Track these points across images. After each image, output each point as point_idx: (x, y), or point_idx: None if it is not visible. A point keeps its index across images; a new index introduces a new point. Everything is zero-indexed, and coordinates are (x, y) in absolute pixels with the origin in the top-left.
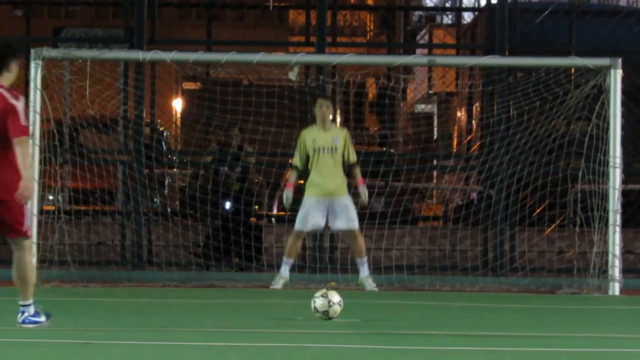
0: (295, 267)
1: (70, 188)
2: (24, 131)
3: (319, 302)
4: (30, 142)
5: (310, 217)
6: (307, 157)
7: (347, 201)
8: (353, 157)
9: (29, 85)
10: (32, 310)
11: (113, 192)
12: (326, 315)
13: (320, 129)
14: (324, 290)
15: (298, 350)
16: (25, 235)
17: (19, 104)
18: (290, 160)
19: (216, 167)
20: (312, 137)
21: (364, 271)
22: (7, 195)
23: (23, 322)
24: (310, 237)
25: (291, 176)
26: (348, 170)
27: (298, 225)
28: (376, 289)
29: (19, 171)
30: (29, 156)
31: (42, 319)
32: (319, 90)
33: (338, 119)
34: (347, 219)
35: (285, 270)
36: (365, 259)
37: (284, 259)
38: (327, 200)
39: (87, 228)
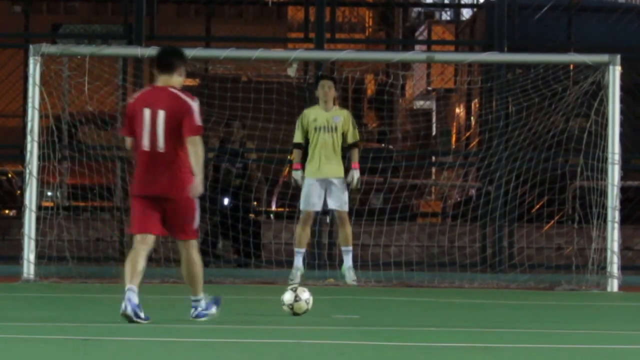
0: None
1: (68, 184)
2: (198, 130)
3: (287, 295)
4: (28, 138)
5: (311, 198)
6: (307, 136)
7: (342, 183)
8: (354, 137)
9: (28, 81)
10: (203, 304)
11: (112, 188)
12: (291, 309)
13: (321, 109)
14: (295, 285)
15: (297, 347)
16: (193, 236)
17: (195, 104)
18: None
19: (216, 163)
20: (313, 116)
21: (348, 261)
22: (177, 194)
23: (197, 316)
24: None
25: (296, 156)
26: (347, 150)
27: (302, 205)
28: (355, 283)
29: (190, 171)
30: (201, 155)
31: (213, 309)
32: (320, 75)
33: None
34: (340, 201)
35: (298, 262)
36: (350, 247)
37: (295, 250)
38: (324, 180)
39: (85, 224)
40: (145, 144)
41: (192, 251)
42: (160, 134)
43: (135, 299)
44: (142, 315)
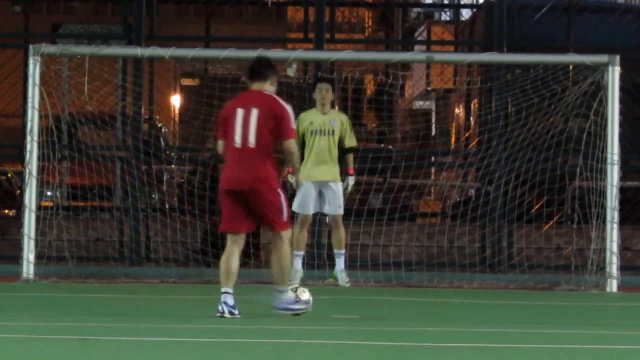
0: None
1: (68, 184)
2: (294, 134)
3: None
4: (28, 138)
5: (307, 202)
6: (303, 140)
7: (338, 187)
8: (351, 142)
9: (28, 81)
10: (286, 297)
11: (111, 188)
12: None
13: (318, 113)
14: (296, 286)
15: (296, 347)
16: (283, 228)
17: (289, 108)
18: None
19: (215, 164)
20: (309, 119)
21: (340, 264)
22: (261, 187)
23: (276, 307)
24: (309, 234)
25: None
26: (342, 154)
27: (298, 209)
28: (349, 285)
29: (274, 168)
30: (298, 155)
31: (297, 306)
32: (319, 77)
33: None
34: (335, 205)
35: (297, 264)
36: (343, 251)
37: (294, 253)
38: (320, 183)
39: (85, 224)
40: (237, 140)
41: (282, 243)
42: (252, 131)
43: (231, 301)
44: (237, 313)
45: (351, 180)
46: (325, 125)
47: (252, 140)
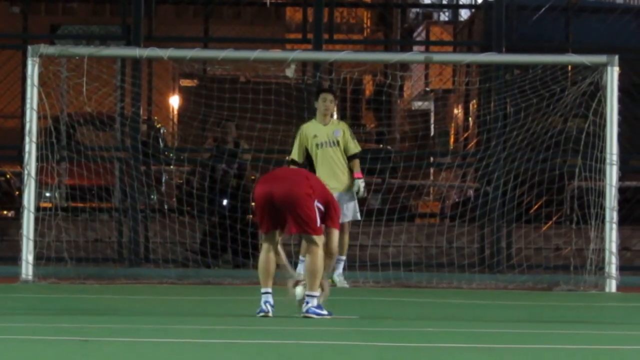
0: (293, 264)
1: (67, 185)
2: (338, 226)
3: (298, 289)
4: (26, 139)
5: None
6: (306, 151)
7: (350, 195)
8: (355, 149)
9: (26, 82)
10: (316, 302)
11: (110, 189)
12: (300, 305)
13: (319, 124)
14: (305, 282)
15: (296, 347)
16: (314, 232)
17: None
18: (287, 157)
19: (213, 164)
20: (312, 132)
21: (339, 269)
22: (294, 189)
23: (307, 311)
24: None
25: None
26: (348, 160)
27: None
28: (347, 285)
29: (310, 197)
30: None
31: (325, 312)
32: (320, 85)
33: (335, 116)
34: (353, 210)
35: (301, 269)
36: (344, 257)
37: (300, 257)
38: (335, 194)
39: (84, 225)
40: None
41: (317, 248)
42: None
43: (272, 300)
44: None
45: (361, 183)
46: (329, 136)
47: (299, 166)
